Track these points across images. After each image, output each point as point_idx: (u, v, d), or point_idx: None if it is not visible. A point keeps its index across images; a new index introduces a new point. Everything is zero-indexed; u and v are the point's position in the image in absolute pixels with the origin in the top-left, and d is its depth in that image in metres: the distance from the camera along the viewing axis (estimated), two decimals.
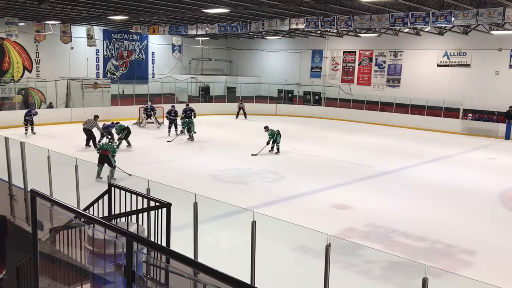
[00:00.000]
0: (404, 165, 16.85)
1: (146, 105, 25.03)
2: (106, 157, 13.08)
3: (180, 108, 24.12)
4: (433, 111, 27.16)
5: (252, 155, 17.63)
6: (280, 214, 7.87)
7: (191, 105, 25.38)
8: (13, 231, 9.91)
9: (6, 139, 10.70)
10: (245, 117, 29.68)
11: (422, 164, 17.27)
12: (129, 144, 18.64)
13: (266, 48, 36.74)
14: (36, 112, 21.65)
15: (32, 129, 21.02)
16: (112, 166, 13.05)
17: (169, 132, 21.94)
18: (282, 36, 33.83)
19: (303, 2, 18.20)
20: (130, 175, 13.28)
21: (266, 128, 18.53)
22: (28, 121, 20.98)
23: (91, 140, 18.47)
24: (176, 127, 21.72)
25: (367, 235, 9.91)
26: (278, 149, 18.25)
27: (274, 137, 18.09)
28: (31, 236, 3.72)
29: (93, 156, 16.02)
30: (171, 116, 22.02)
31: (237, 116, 29.81)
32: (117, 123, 18.90)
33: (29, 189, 8.24)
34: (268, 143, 18.08)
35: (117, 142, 18.45)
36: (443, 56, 27.77)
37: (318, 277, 5.44)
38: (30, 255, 4.33)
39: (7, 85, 27.08)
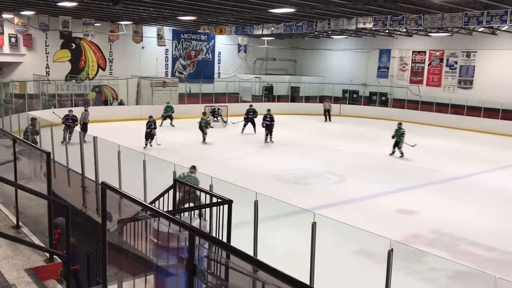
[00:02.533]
0: (475, 171, 16.07)
1: (213, 108, 25.67)
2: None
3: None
4: (508, 114, 25.63)
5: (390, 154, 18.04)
6: (342, 216, 7.74)
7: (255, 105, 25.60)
8: (84, 221, 10.50)
9: (80, 133, 11.34)
10: (330, 119, 28.94)
11: (493, 171, 16.40)
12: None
13: (331, 47, 36.28)
14: (75, 117, 18.05)
15: (70, 138, 15.16)
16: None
17: (243, 129, 22.64)
18: (348, 35, 33.28)
19: (371, 1, 17.78)
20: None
21: (400, 125, 18.19)
22: (68, 128, 16.60)
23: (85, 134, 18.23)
24: (254, 126, 22.34)
25: (432, 242, 9.55)
26: (401, 153, 17.91)
27: (398, 137, 17.80)
28: (100, 226, 3.91)
29: (159, 152, 16.64)
30: (250, 115, 22.71)
31: (325, 119, 29.04)
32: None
33: (100, 182, 8.66)
34: (393, 137, 17.94)
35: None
36: None
37: (379, 282, 5.33)
38: (99, 244, 4.55)
39: (82, 83, 28.64)
